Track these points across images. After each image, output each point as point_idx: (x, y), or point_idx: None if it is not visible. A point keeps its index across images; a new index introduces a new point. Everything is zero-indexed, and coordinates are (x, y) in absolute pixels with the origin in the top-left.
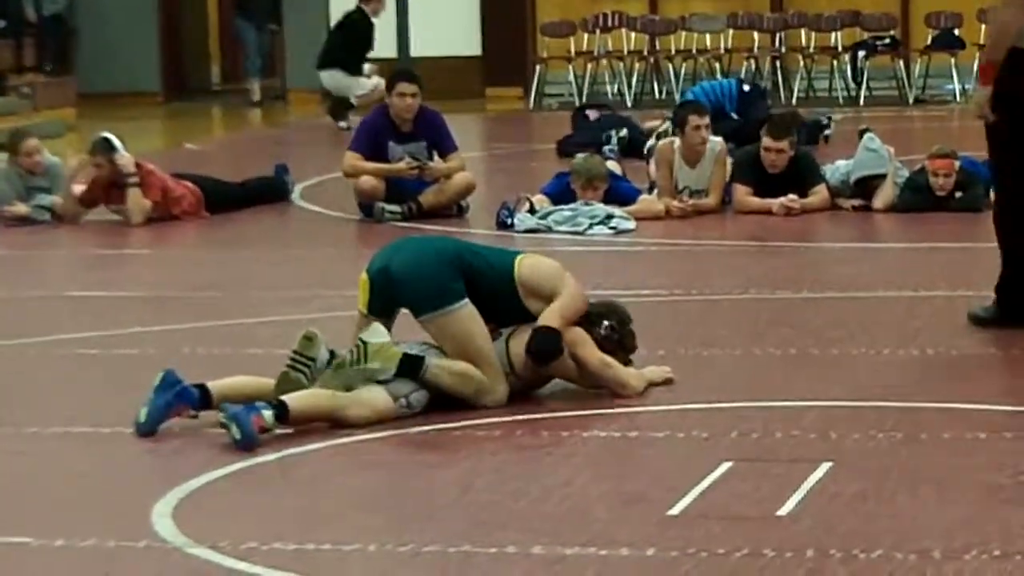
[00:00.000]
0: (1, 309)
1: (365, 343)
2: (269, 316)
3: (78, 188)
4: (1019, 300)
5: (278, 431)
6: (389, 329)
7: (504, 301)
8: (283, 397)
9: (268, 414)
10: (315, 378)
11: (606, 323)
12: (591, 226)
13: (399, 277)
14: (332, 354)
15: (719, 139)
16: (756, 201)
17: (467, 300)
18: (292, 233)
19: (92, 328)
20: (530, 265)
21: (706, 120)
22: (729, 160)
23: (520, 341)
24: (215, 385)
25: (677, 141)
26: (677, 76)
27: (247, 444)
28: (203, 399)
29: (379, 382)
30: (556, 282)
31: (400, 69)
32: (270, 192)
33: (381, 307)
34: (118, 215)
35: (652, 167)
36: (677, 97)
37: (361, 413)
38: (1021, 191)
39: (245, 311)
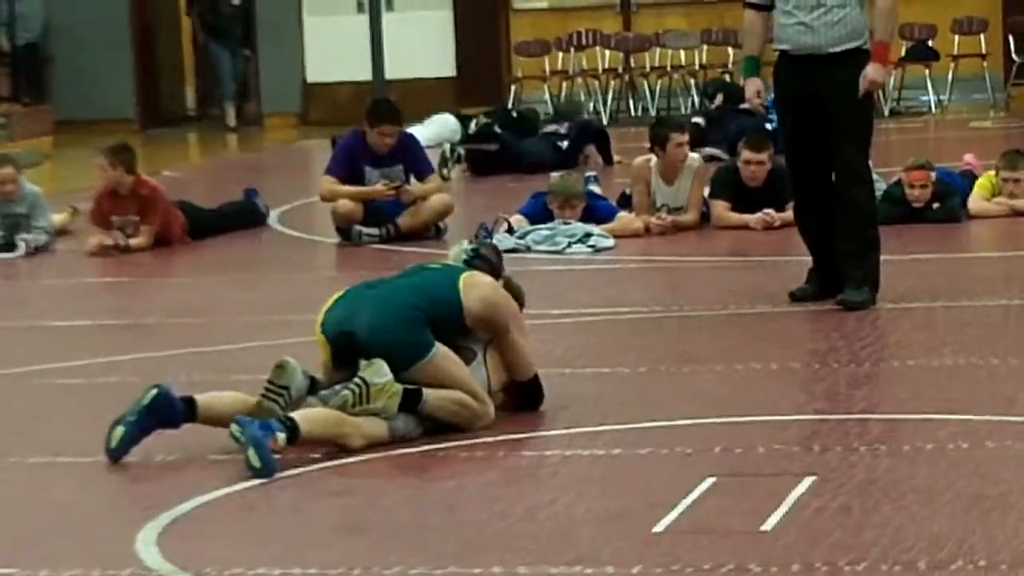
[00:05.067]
0: None
1: (367, 383)
2: (251, 341)
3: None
4: (831, 279)
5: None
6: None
7: (450, 329)
8: (294, 416)
9: (282, 436)
10: (291, 406)
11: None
12: (570, 245)
13: (367, 344)
14: (312, 380)
15: (696, 156)
16: (734, 216)
17: (437, 344)
18: (271, 258)
19: (73, 357)
20: (476, 302)
21: (686, 137)
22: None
23: (494, 361)
24: (203, 399)
25: (653, 159)
26: (652, 93)
27: (266, 473)
28: (187, 417)
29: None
30: (502, 314)
31: (384, 108)
32: (246, 217)
33: (349, 362)
34: (123, 231)
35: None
36: (653, 113)
37: (359, 443)
38: (815, 189)
39: (227, 337)
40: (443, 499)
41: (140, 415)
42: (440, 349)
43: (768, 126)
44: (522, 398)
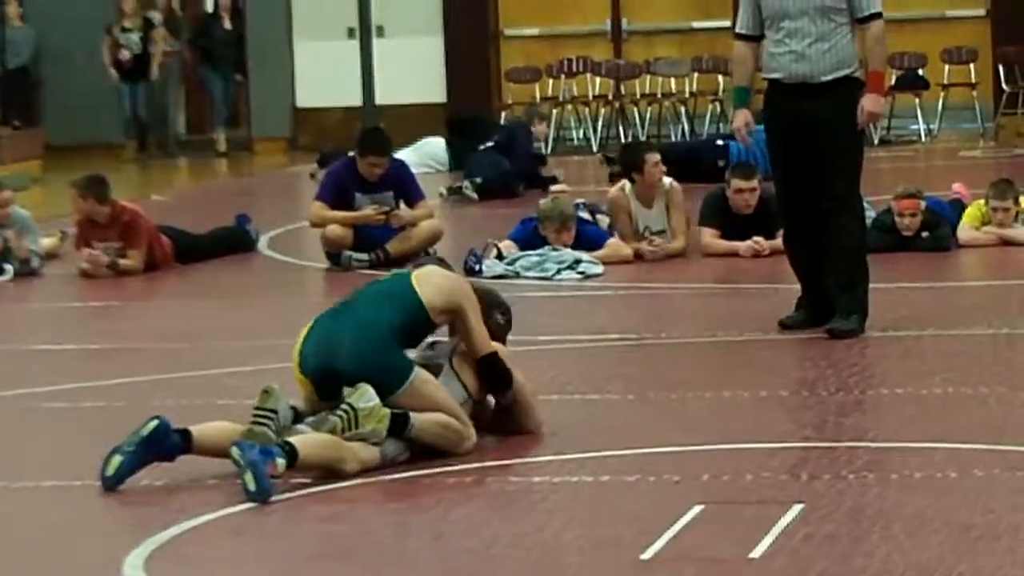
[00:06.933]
0: None
1: (354, 409)
2: (240, 366)
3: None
4: (821, 308)
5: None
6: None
7: (420, 330)
8: (292, 441)
9: (281, 462)
10: (280, 430)
11: (499, 315)
12: (559, 271)
13: (349, 377)
14: (295, 410)
15: (670, 179)
16: (723, 243)
17: (417, 368)
18: (260, 283)
19: (60, 381)
20: (433, 292)
21: (659, 156)
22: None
23: (465, 367)
24: (198, 431)
25: (627, 185)
26: (643, 120)
27: (262, 496)
28: (183, 449)
29: (372, 443)
30: (458, 297)
31: (373, 139)
32: (236, 242)
33: (332, 394)
34: (106, 257)
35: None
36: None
37: (354, 468)
38: (804, 217)
39: (215, 361)
40: (430, 525)
41: (138, 446)
42: (420, 372)
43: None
44: (488, 378)
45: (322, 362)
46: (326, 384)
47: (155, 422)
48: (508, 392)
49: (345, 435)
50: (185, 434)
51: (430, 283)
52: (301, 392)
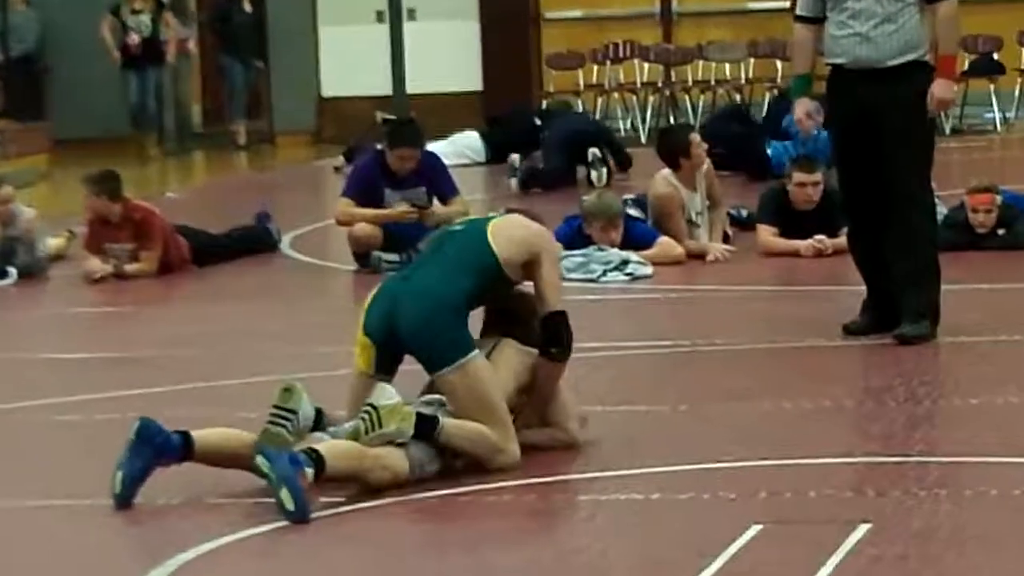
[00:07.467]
0: None
1: (376, 408)
2: (262, 375)
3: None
4: (889, 311)
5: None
6: (390, 383)
7: (496, 288)
8: (319, 449)
9: (309, 472)
10: (298, 432)
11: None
12: (605, 272)
13: (408, 338)
14: (319, 412)
15: None
16: (782, 242)
17: (476, 351)
18: (283, 285)
19: (71, 392)
20: (511, 249)
21: (699, 136)
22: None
23: (501, 367)
24: (199, 435)
25: (669, 174)
26: (695, 109)
27: (300, 516)
28: (185, 449)
29: (398, 444)
30: (537, 245)
31: (404, 131)
32: (257, 242)
33: (389, 364)
34: (117, 259)
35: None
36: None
37: (383, 477)
38: (870, 213)
39: (236, 370)
40: (467, 544)
41: (131, 452)
42: (480, 357)
43: None
44: (549, 337)
45: (384, 321)
46: (386, 349)
47: (138, 422)
48: (563, 358)
49: (370, 435)
50: (185, 436)
51: (508, 238)
52: (358, 362)
